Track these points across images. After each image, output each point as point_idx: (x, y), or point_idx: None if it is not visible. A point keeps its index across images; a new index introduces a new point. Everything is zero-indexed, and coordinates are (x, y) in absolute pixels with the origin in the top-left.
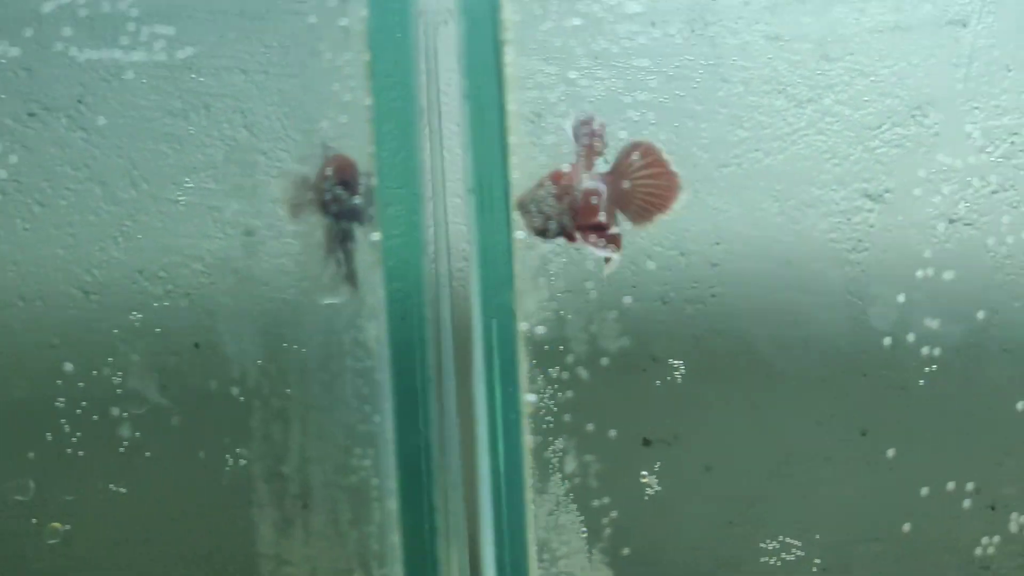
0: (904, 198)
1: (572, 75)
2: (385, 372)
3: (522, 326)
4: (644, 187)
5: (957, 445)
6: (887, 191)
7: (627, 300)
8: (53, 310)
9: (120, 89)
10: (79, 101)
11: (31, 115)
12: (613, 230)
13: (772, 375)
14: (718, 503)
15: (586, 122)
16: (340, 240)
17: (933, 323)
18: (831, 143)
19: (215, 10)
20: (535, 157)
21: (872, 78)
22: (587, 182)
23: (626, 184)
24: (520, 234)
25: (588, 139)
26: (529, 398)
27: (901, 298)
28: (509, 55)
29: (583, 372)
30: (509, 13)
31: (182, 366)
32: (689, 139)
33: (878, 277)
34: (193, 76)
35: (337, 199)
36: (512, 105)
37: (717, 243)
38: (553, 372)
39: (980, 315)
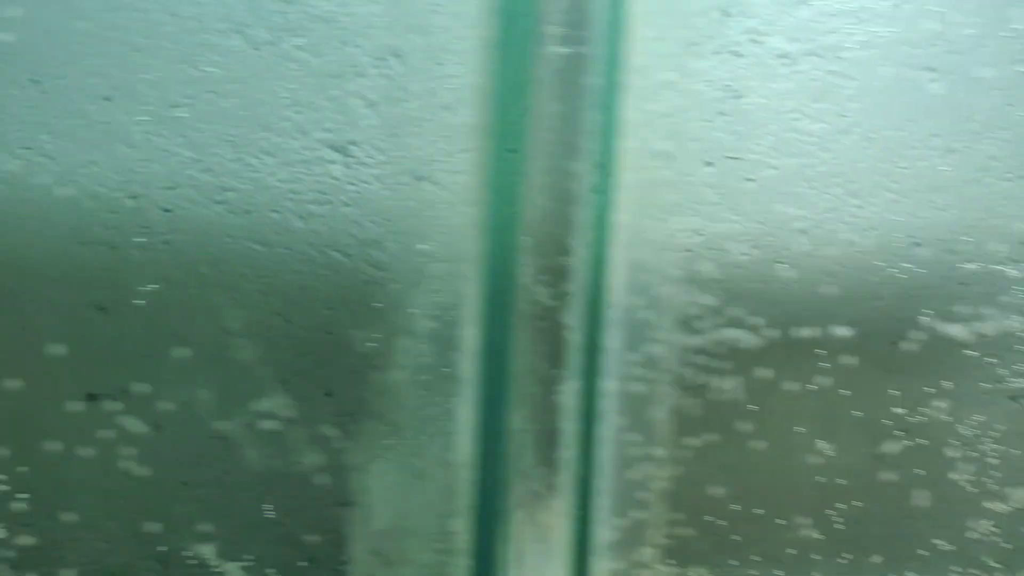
0: (374, 152)
1: None
2: None
3: None
4: None
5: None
6: (351, 143)
7: None
8: None
9: None
10: None
11: None
12: None
13: (227, 329)
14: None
15: None
16: None
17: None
18: (292, 90)
19: None
20: None
21: (333, 24)
22: None
23: None
24: None
25: None
26: None
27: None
28: None
29: None
30: None
31: None
32: (132, 73)
33: (340, 231)
34: None
35: None
36: None
37: (170, 188)
38: None
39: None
